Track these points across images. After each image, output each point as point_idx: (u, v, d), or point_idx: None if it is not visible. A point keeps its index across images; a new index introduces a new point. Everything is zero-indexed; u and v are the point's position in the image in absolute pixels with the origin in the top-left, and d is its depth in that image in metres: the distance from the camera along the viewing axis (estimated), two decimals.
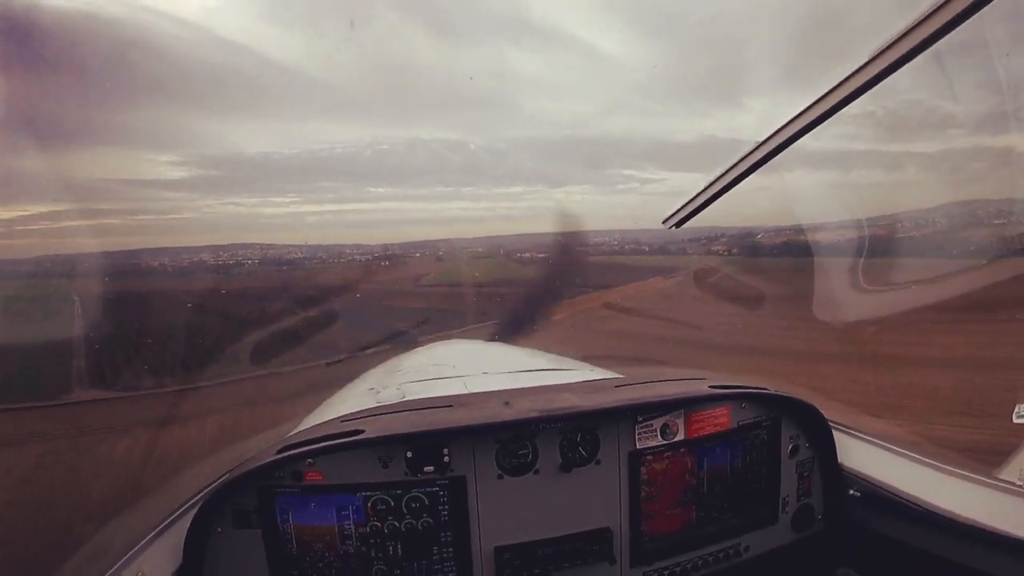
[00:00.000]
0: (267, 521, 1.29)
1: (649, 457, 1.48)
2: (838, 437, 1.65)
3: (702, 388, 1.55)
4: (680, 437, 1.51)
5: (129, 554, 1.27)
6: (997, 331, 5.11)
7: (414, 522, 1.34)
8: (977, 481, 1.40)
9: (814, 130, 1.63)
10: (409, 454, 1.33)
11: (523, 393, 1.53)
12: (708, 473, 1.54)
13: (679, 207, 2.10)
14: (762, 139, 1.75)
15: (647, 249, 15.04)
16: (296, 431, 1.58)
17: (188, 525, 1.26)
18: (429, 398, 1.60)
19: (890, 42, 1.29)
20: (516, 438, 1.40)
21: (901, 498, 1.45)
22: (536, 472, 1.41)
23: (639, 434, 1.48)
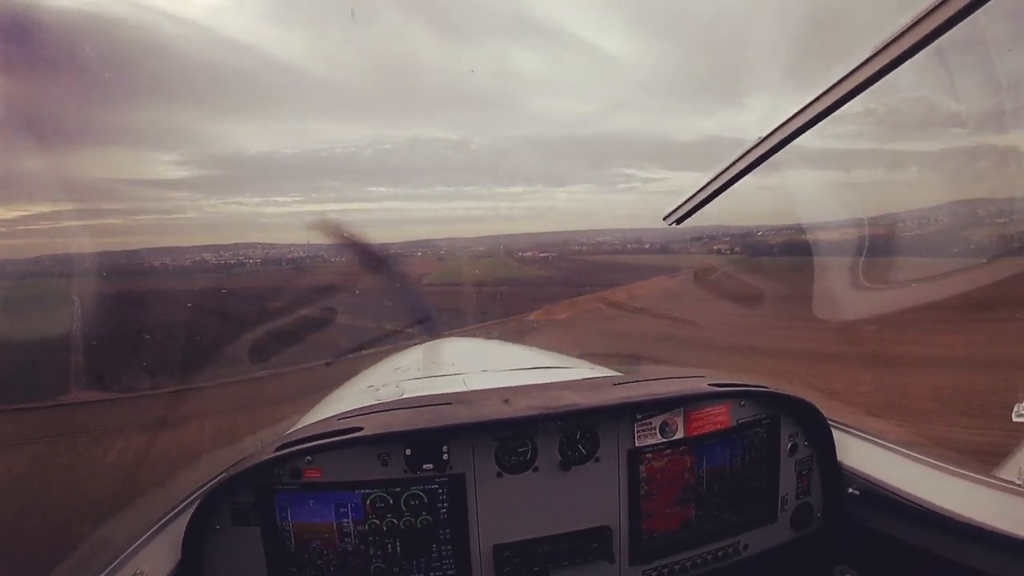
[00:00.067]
0: (266, 518, 1.29)
1: (648, 455, 1.48)
2: (837, 436, 1.65)
3: (701, 386, 1.55)
4: (679, 435, 1.51)
5: (128, 551, 1.27)
6: (997, 330, 5.10)
7: (413, 520, 1.34)
8: (976, 480, 1.39)
9: (815, 127, 1.62)
10: (408, 451, 1.33)
11: (523, 391, 1.52)
12: (707, 471, 1.54)
13: (680, 204, 2.09)
14: (763, 135, 1.74)
15: (649, 248, 15.06)
16: (295, 428, 1.58)
17: (187, 522, 1.26)
18: (428, 395, 1.60)
19: (892, 38, 1.28)
20: (515, 436, 1.40)
21: (900, 497, 1.45)
22: (535, 470, 1.42)
23: (638, 432, 1.48)
